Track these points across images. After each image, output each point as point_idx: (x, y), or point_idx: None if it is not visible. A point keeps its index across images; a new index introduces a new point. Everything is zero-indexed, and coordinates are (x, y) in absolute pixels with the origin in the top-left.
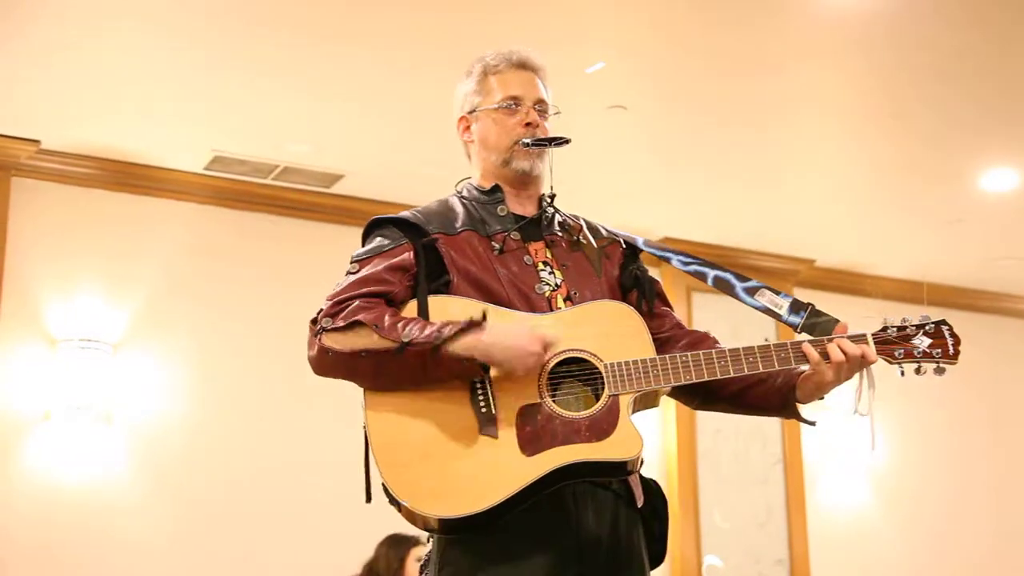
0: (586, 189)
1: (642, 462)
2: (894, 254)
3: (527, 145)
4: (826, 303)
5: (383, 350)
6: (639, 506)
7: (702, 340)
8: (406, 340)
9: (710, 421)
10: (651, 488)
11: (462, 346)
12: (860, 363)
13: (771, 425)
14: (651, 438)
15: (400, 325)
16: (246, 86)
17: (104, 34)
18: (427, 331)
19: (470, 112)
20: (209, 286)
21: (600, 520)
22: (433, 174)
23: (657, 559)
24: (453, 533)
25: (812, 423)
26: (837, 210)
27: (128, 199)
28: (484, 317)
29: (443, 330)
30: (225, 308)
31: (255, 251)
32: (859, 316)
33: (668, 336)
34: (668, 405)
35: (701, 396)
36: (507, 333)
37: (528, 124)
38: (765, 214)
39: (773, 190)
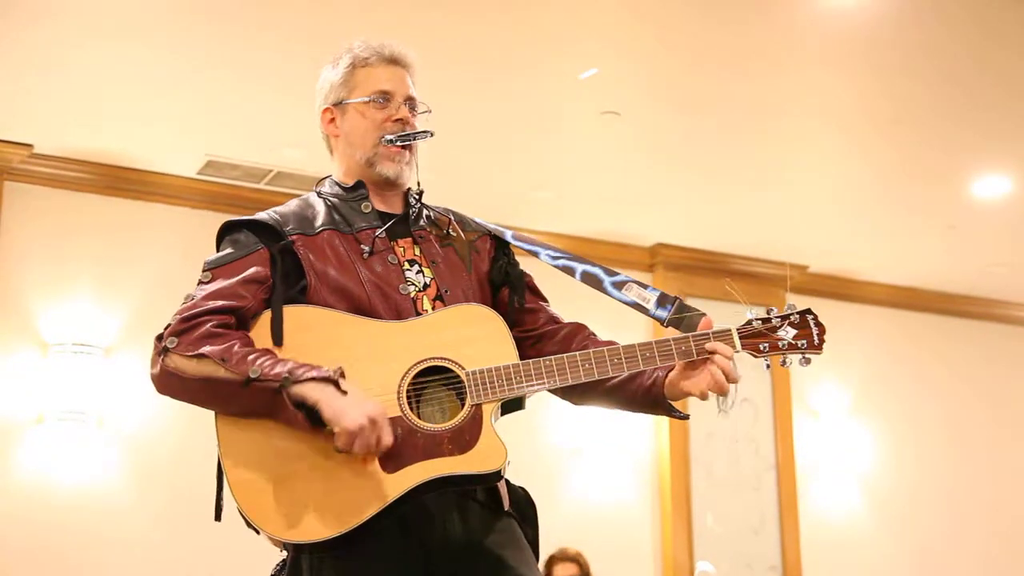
0: (578, 195)
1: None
2: (886, 260)
3: (391, 141)
4: (818, 309)
5: (228, 380)
6: (508, 511)
7: (576, 334)
8: (254, 376)
9: (702, 426)
10: (519, 496)
11: (303, 389)
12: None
13: (764, 431)
14: (643, 442)
15: (251, 358)
16: (239, 90)
17: (97, 38)
18: (276, 369)
19: (335, 104)
20: None
21: (469, 529)
22: (423, 178)
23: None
24: (320, 553)
25: (685, 416)
26: (829, 216)
27: (121, 203)
28: (341, 374)
29: (295, 372)
30: None
31: None
32: (851, 322)
33: (543, 332)
34: None
35: (577, 394)
36: (345, 398)
37: (398, 120)
38: (757, 221)
39: (765, 197)
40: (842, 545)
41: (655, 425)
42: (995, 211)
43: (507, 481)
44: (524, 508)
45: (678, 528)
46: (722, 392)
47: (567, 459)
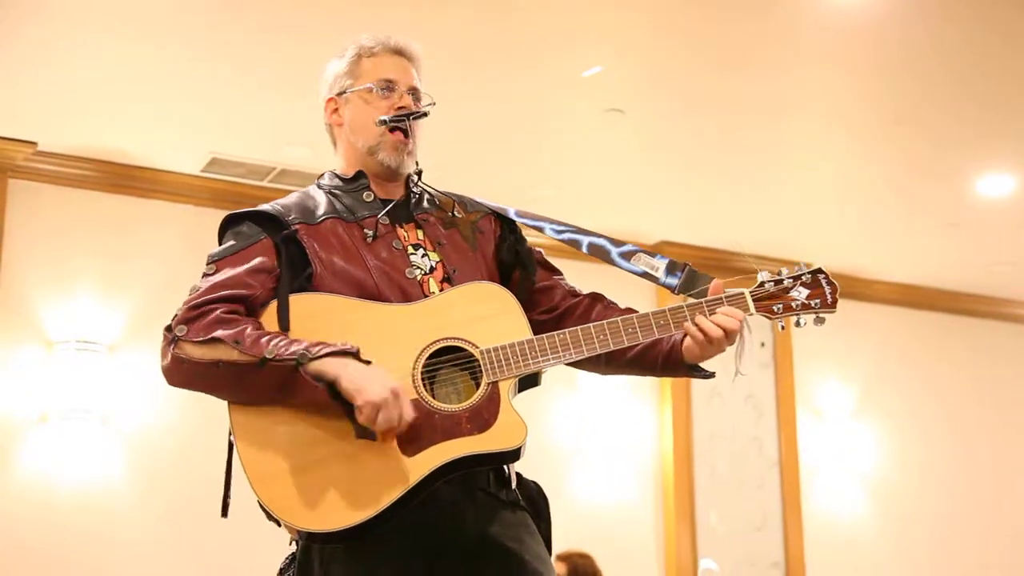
0: (582, 193)
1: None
2: (890, 259)
3: (384, 122)
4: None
5: (243, 363)
6: (521, 505)
7: (594, 306)
8: (269, 355)
9: (706, 424)
10: (532, 490)
11: (322, 364)
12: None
13: (767, 429)
14: (647, 441)
15: (265, 340)
16: (244, 88)
17: (102, 36)
18: (292, 348)
19: (339, 94)
20: None
21: (481, 522)
22: (428, 175)
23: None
24: (335, 543)
25: (710, 375)
26: (833, 214)
27: (125, 201)
28: (358, 350)
29: (311, 349)
30: None
31: None
32: (855, 321)
33: (563, 311)
34: (664, 406)
35: (601, 364)
36: (367, 371)
37: (400, 108)
38: (762, 219)
39: (769, 195)
40: (845, 543)
41: (659, 424)
42: (999, 209)
43: (519, 475)
44: (537, 502)
45: (681, 526)
46: (720, 341)
47: (570, 458)
